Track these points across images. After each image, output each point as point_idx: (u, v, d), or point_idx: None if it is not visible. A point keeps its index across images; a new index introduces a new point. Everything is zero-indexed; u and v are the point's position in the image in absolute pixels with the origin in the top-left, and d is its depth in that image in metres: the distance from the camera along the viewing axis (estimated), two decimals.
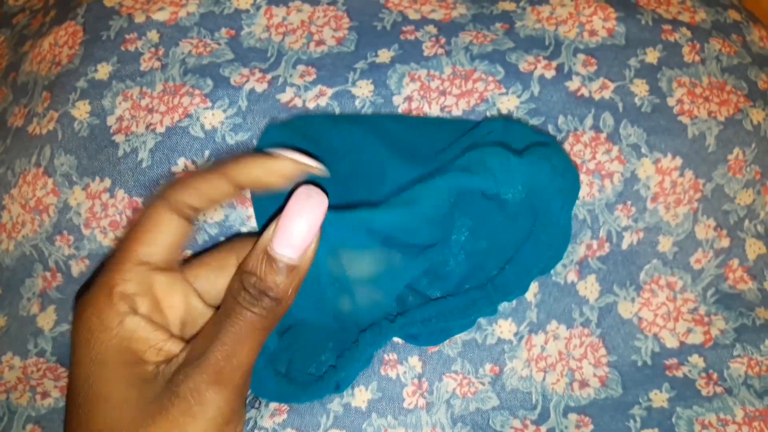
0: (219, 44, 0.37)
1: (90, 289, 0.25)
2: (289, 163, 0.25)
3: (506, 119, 0.31)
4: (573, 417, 0.35)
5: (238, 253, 0.27)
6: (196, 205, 0.25)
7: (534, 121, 0.35)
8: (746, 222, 0.37)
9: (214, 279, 0.27)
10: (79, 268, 0.35)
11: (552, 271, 0.35)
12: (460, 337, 0.35)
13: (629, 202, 0.36)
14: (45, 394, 0.36)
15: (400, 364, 0.35)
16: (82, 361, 0.24)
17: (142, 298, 0.25)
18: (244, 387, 0.24)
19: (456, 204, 0.30)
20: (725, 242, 0.37)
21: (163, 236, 0.25)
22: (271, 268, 0.24)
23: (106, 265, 0.25)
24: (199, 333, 0.25)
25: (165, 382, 0.23)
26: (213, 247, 0.29)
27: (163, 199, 0.25)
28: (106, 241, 0.35)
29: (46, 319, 0.35)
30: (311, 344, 0.31)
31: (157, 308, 0.25)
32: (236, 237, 0.29)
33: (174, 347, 0.24)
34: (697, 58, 0.37)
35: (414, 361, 0.35)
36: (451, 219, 0.31)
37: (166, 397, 0.23)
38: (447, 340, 0.34)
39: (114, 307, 0.24)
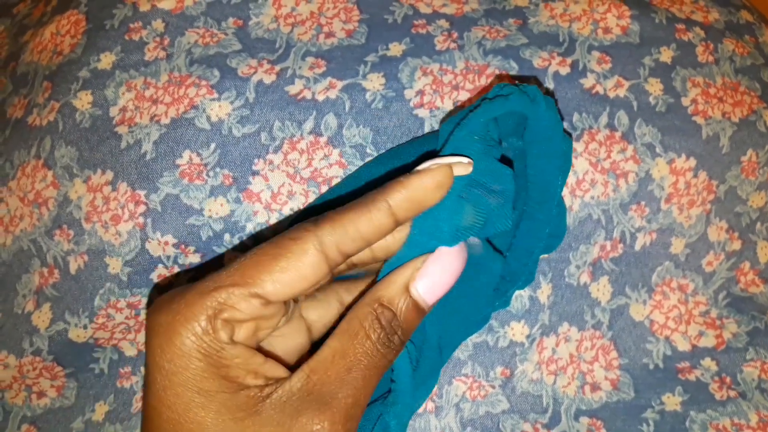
0: (226, 34, 0.34)
1: (184, 300, 0.21)
2: (442, 168, 0.22)
3: (505, 84, 0.28)
4: (584, 421, 0.33)
5: (348, 290, 0.25)
6: (349, 248, 0.21)
7: None
8: (758, 224, 0.36)
9: (323, 313, 0.25)
10: (77, 264, 0.32)
11: (565, 273, 0.33)
12: (471, 340, 0.33)
13: (643, 203, 0.34)
14: (41, 394, 0.33)
15: None
16: (172, 386, 0.20)
17: (244, 324, 0.21)
18: (357, 423, 0.22)
19: None
20: (737, 245, 0.35)
21: (297, 277, 0.21)
22: (409, 308, 0.22)
23: (217, 276, 0.21)
24: (313, 359, 0.21)
25: (277, 413, 0.20)
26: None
27: (313, 234, 0.21)
28: (107, 235, 0.32)
29: (42, 318, 0.33)
30: None
31: (255, 332, 0.22)
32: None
33: (271, 369, 0.21)
34: (710, 58, 0.36)
35: None
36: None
37: (283, 424, 0.20)
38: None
39: (215, 334, 0.20)
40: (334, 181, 0.32)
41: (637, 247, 0.34)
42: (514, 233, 0.29)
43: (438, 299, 0.23)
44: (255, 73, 0.33)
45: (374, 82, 0.33)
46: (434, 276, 0.22)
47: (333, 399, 0.20)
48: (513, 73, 0.33)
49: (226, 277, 0.21)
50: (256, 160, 0.32)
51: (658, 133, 0.34)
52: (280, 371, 0.21)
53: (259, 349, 0.22)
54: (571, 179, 0.33)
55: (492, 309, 0.31)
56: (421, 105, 0.33)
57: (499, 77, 0.33)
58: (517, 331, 0.33)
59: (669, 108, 0.34)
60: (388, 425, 0.24)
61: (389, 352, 0.22)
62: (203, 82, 0.33)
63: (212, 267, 0.32)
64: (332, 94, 0.33)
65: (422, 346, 0.25)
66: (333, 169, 0.32)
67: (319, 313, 0.25)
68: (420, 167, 0.23)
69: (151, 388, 0.21)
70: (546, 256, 0.33)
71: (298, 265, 0.21)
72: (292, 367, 0.21)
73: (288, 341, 0.24)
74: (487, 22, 0.35)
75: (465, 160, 0.23)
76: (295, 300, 0.23)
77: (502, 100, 0.24)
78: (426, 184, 0.22)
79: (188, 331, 0.20)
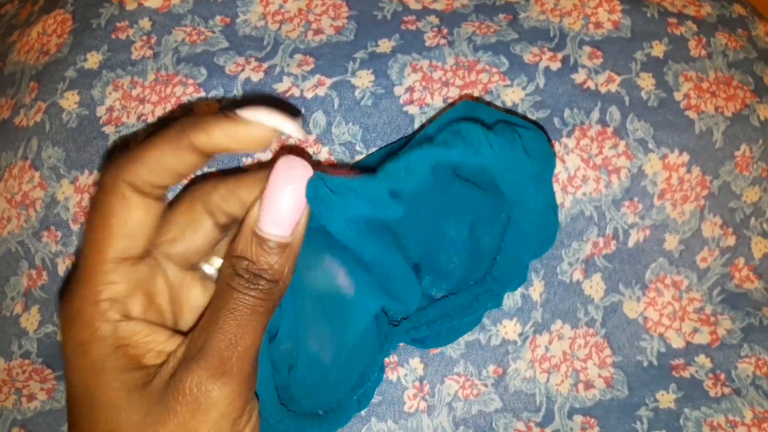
0: (213, 32, 0.34)
1: (71, 298, 0.21)
2: (260, 128, 0.21)
3: (469, 101, 0.28)
4: (578, 419, 0.33)
5: (203, 202, 0.24)
6: (160, 182, 0.21)
7: (539, 114, 0.32)
8: (752, 220, 0.35)
9: (191, 237, 0.24)
10: (65, 266, 0.32)
11: (558, 270, 0.33)
12: (464, 339, 0.32)
13: (636, 199, 0.33)
14: (31, 397, 0.33)
15: (401, 366, 0.32)
16: (77, 372, 0.21)
17: (132, 297, 0.22)
18: (253, 375, 0.22)
19: (454, 197, 0.27)
20: (731, 240, 0.35)
21: (135, 224, 0.21)
22: (262, 249, 0.21)
23: (80, 265, 0.22)
24: (195, 325, 0.22)
25: (166, 381, 0.20)
26: (173, 201, 0.25)
27: (120, 180, 0.21)
28: None
29: (30, 320, 0.32)
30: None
31: (151, 303, 0.22)
32: (193, 184, 0.25)
33: (175, 345, 0.22)
34: (703, 52, 0.35)
35: (415, 363, 0.32)
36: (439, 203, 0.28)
37: (171, 397, 0.20)
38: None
39: (104, 315, 0.21)
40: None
41: (631, 243, 0.33)
42: (503, 237, 0.28)
43: (294, 223, 0.21)
44: (242, 70, 0.32)
45: (363, 79, 0.32)
46: (272, 206, 0.21)
47: (205, 348, 0.20)
48: (503, 69, 0.33)
49: (85, 262, 0.21)
50: (244, 159, 0.32)
51: (650, 129, 0.33)
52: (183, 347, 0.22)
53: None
54: (562, 176, 0.32)
55: (485, 310, 0.30)
56: (411, 102, 0.32)
57: (463, 97, 0.32)
58: (510, 329, 0.33)
59: (661, 103, 0.34)
60: None
61: (258, 293, 0.21)
62: (190, 81, 0.32)
63: None
64: (321, 92, 0.32)
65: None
66: None
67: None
68: (244, 112, 0.21)
69: (66, 378, 0.21)
70: None
71: (129, 215, 0.21)
72: None
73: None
74: (477, 17, 0.35)
75: (296, 128, 0.21)
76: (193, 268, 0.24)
77: (445, 149, 0.23)
78: (240, 136, 0.21)
79: (81, 322, 0.21)
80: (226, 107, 0.32)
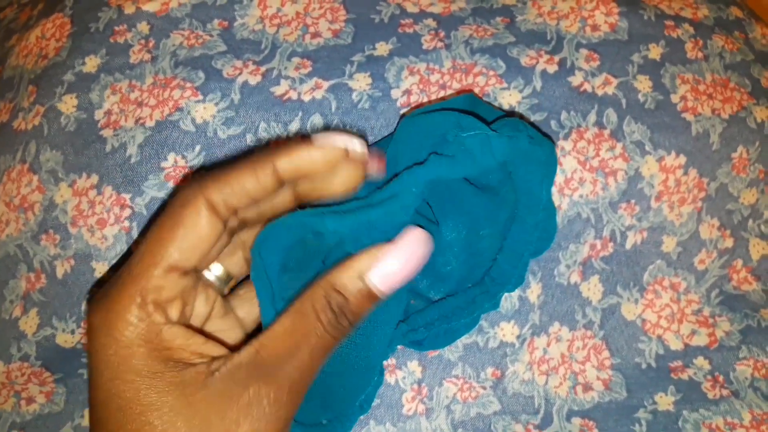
0: (211, 36, 0.34)
1: (112, 297, 0.21)
2: (333, 149, 0.23)
3: (472, 96, 0.28)
4: (577, 421, 0.33)
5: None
6: (236, 203, 0.22)
7: (536, 117, 0.32)
8: (750, 222, 0.35)
9: (250, 309, 0.26)
10: (63, 269, 0.32)
11: (555, 272, 0.33)
12: (462, 341, 0.32)
13: (633, 201, 0.33)
14: (30, 400, 0.33)
15: (399, 369, 0.32)
16: (119, 375, 0.21)
17: (172, 303, 0.22)
18: (299, 406, 0.22)
19: (450, 200, 0.27)
20: (729, 242, 0.35)
21: (199, 238, 0.22)
22: (361, 294, 0.22)
23: (130, 265, 0.22)
24: (263, 336, 0.22)
25: (223, 385, 0.21)
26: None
27: (200, 196, 0.22)
28: (93, 240, 0.31)
29: (29, 323, 0.32)
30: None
31: (186, 311, 0.23)
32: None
33: (213, 349, 0.22)
34: (700, 54, 0.35)
35: (413, 365, 0.32)
36: (440, 212, 0.28)
37: (225, 401, 0.21)
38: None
39: (150, 318, 0.21)
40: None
41: (628, 245, 0.33)
42: (505, 236, 0.28)
43: (395, 288, 0.22)
44: (240, 74, 0.32)
45: (361, 82, 0.32)
46: (392, 266, 0.22)
47: (279, 371, 0.21)
48: (500, 72, 0.33)
49: (139, 263, 0.22)
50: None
51: (647, 131, 0.33)
52: (223, 350, 0.22)
53: (200, 332, 0.23)
54: (559, 178, 0.32)
55: (482, 311, 0.30)
56: (408, 104, 0.32)
57: (466, 89, 0.33)
58: (508, 331, 0.33)
59: (658, 105, 0.34)
60: None
61: (337, 334, 0.22)
62: (188, 84, 0.32)
63: None
64: (318, 95, 0.32)
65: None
66: None
67: (246, 310, 0.26)
68: (317, 138, 0.23)
69: (98, 383, 0.21)
70: None
71: (196, 228, 0.22)
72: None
73: (225, 336, 0.25)
74: (474, 20, 0.35)
75: (359, 146, 0.23)
76: (223, 295, 0.25)
77: (447, 163, 0.24)
78: (315, 158, 0.23)
79: (125, 323, 0.21)
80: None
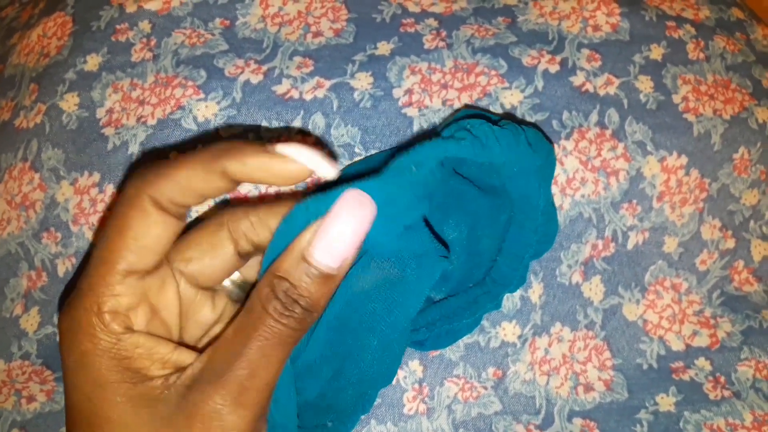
0: (213, 34, 0.34)
1: (73, 307, 0.21)
2: (296, 165, 0.20)
3: (468, 109, 0.27)
4: (578, 422, 0.33)
5: (231, 228, 0.23)
6: (184, 202, 0.21)
7: (538, 117, 0.32)
8: (751, 222, 0.35)
9: (209, 262, 0.23)
10: (65, 267, 0.32)
11: (557, 272, 0.33)
12: (463, 341, 0.32)
13: (635, 201, 0.33)
14: (31, 398, 0.33)
15: (400, 369, 0.32)
16: (78, 384, 0.20)
17: (136, 310, 0.21)
18: (267, 406, 0.21)
19: (453, 199, 0.27)
20: (730, 243, 0.35)
21: (150, 239, 0.21)
22: (307, 275, 0.20)
23: (86, 274, 0.21)
24: (216, 340, 0.21)
25: (179, 398, 0.20)
26: (201, 222, 0.24)
27: (144, 194, 0.20)
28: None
29: (30, 321, 0.32)
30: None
31: (155, 315, 0.22)
32: (224, 207, 0.25)
33: (182, 357, 0.21)
34: (701, 55, 0.35)
35: (414, 365, 0.32)
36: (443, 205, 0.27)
37: (183, 417, 0.20)
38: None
39: (107, 328, 0.20)
40: (322, 181, 0.31)
41: (630, 246, 0.33)
42: (504, 237, 0.28)
43: (346, 260, 0.21)
44: (242, 73, 0.32)
45: (362, 81, 0.32)
46: (330, 236, 0.20)
47: (232, 375, 0.20)
48: (502, 71, 0.33)
49: (94, 271, 0.21)
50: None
51: (648, 131, 0.33)
52: (190, 359, 0.21)
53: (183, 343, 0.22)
54: (561, 178, 0.32)
55: (484, 311, 0.30)
56: (410, 104, 0.32)
57: (466, 106, 0.32)
58: (509, 331, 0.32)
59: (660, 105, 0.33)
60: None
61: (291, 322, 0.20)
62: (190, 83, 0.32)
63: None
64: (320, 94, 0.32)
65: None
66: None
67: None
68: (281, 147, 0.21)
69: (65, 389, 0.21)
70: None
71: (147, 229, 0.20)
72: None
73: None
74: (475, 20, 0.35)
75: (331, 173, 0.21)
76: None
77: (454, 143, 0.23)
78: (274, 171, 0.20)
79: (83, 333, 0.20)
80: (250, 131, 0.31)
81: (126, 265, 0.20)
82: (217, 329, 0.24)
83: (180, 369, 0.21)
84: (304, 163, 0.20)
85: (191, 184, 0.20)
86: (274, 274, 0.20)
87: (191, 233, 0.23)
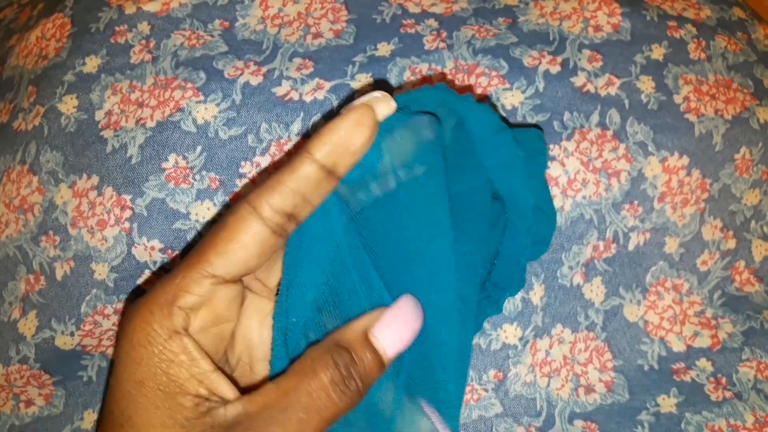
0: (212, 36, 0.34)
1: (144, 298, 0.20)
2: (361, 110, 0.21)
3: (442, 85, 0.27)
4: (579, 423, 0.33)
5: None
6: (284, 205, 0.20)
7: (539, 117, 0.32)
8: (753, 223, 0.35)
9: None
10: (63, 271, 0.32)
11: (558, 273, 0.33)
12: None
13: (636, 202, 0.33)
14: (29, 403, 0.33)
15: None
16: (120, 377, 0.20)
17: (198, 312, 0.21)
18: None
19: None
20: (732, 243, 0.34)
21: (243, 249, 0.20)
22: (371, 356, 0.20)
23: (172, 272, 0.21)
24: (256, 393, 0.20)
25: None
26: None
27: (245, 204, 0.20)
28: (93, 241, 0.31)
29: (28, 325, 0.32)
30: None
31: (213, 324, 0.21)
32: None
33: (219, 384, 0.20)
34: (703, 55, 0.35)
35: None
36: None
37: None
38: None
39: (168, 319, 0.20)
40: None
41: (631, 247, 0.33)
42: (500, 240, 0.28)
43: (397, 355, 0.21)
44: (241, 74, 0.32)
45: (363, 83, 0.32)
46: (393, 326, 0.21)
47: None
48: (503, 72, 0.33)
49: (176, 270, 0.20)
50: (242, 163, 0.31)
51: (650, 132, 0.33)
52: (226, 390, 0.20)
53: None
54: (562, 179, 0.32)
55: (485, 316, 0.29)
56: None
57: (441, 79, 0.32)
58: (510, 333, 0.32)
59: (661, 106, 0.33)
60: None
61: (342, 398, 0.20)
62: (189, 85, 0.32)
63: None
64: (320, 95, 0.32)
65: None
66: None
67: None
68: (343, 111, 0.21)
69: (109, 386, 0.20)
70: None
71: (237, 234, 0.20)
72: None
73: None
74: (476, 21, 0.34)
75: (379, 93, 0.22)
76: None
77: (434, 91, 0.23)
78: (345, 125, 0.21)
79: (141, 319, 0.20)
80: None
81: (209, 268, 0.20)
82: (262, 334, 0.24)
83: (213, 396, 0.20)
84: (362, 101, 0.21)
85: (286, 184, 0.20)
86: (337, 343, 0.20)
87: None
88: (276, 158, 0.32)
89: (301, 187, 0.20)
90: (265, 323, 0.23)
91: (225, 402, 0.20)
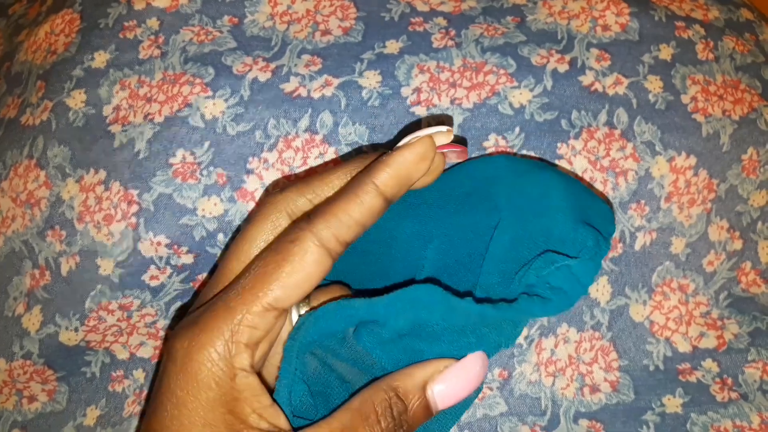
0: (221, 32, 0.34)
1: (200, 327, 0.20)
2: (423, 143, 0.22)
3: (506, 156, 0.27)
4: (584, 423, 0.32)
5: (289, 211, 0.23)
6: (348, 236, 0.21)
7: (547, 116, 0.32)
8: (759, 224, 0.35)
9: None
10: (68, 266, 0.31)
11: None
12: None
13: (643, 201, 0.33)
14: (32, 398, 0.33)
15: None
16: (179, 414, 0.19)
17: (258, 346, 0.21)
18: None
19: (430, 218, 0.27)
20: (738, 244, 0.34)
21: (308, 281, 0.20)
22: (421, 406, 0.21)
23: (224, 297, 0.20)
24: (320, 426, 0.21)
25: None
26: (254, 217, 0.24)
27: (309, 232, 0.20)
28: (100, 236, 0.31)
29: (32, 321, 0.32)
30: None
31: (269, 350, 0.21)
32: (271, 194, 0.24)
33: (276, 416, 0.20)
34: (710, 55, 0.35)
35: None
36: None
37: None
38: None
39: (235, 358, 0.20)
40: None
41: (637, 246, 0.33)
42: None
43: (449, 405, 0.22)
44: (250, 70, 0.32)
45: (370, 80, 0.32)
46: (453, 384, 0.22)
47: None
48: (511, 71, 0.33)
49: (238, 296, 0.20)
50: (250, 159, 0.31)
51: (657, 131, 0.33)
52: (284, 423, 0.20)
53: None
54: None
55: None
56: (418, 102, 0.32)
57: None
58: None
59: (669, 106, 0.33)
60: None
61: None
62: (197, 80, 0.32)
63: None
64: (328, 92, 0.32)
65: None
66: None
67: None
68: (401, 143, 0.22)
69: (157, 414, 0.20)
70: None
71: (303, 266, 0.20)
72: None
73: None
74: (484, 19, 0.35)
75: (444, 128, 0.23)
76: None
77: (541, 303, 0.24)
78: (409, 159, 0.22)
79: (204, 357, 0.19)
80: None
81: (272, 300, 0.20)
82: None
83: (272, 429, 0.20)
84: (425, 133, 0.22)
85: (351, 215, 0.21)
86: (396, 392, 0.21)
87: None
88: (308, 160, 0.31)
89: (365, 218, 0.21)
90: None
91: None
